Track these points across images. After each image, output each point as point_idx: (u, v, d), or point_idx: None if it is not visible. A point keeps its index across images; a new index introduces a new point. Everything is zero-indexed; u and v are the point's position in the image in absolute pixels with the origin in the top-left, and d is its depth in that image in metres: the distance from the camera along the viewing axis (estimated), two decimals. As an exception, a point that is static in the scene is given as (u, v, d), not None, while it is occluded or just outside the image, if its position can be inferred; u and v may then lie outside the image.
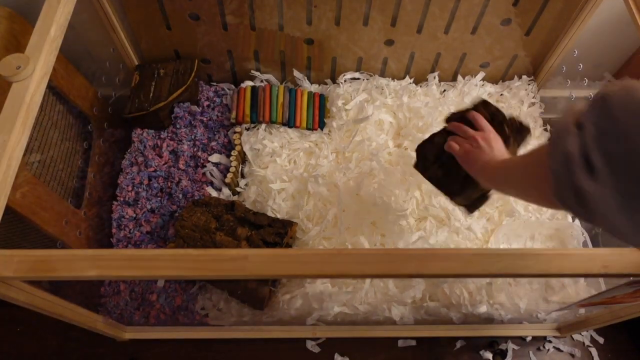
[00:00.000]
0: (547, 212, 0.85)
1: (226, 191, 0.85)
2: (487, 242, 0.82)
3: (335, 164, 0.87)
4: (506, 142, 0.61)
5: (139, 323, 0.81)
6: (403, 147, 0.88)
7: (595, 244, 0.81)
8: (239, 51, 0.91)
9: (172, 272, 0.44)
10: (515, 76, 0.97)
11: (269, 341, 0.86)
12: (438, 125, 0.89)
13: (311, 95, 0.94)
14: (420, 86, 0.97)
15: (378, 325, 0.85)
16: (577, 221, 0.84)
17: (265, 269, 0.44)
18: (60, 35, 0.58)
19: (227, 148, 0.89)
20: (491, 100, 0.92)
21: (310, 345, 0.86)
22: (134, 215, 0.84)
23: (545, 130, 0.92)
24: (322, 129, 0.91)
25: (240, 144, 0.88)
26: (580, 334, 0.87)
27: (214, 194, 0.84)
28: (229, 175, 0.84)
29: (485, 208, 0.83)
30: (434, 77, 0.96)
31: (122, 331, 0.82)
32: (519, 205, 0.83)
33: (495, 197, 0.82)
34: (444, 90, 0.97)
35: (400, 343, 0.87)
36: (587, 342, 0.87)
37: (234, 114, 0.90)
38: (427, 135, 0.87)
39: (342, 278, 0.77)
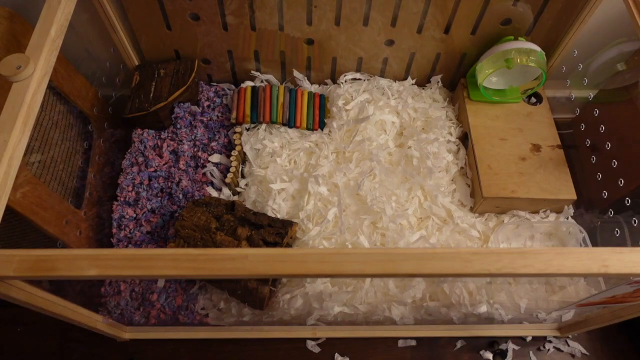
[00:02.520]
0: (547, 211, 0.85)
1: (226, 191, 0.85)
2: (487, 242, 0.82)
3: (336, 164, 0.87)
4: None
5: (139, 323, 0.81)
6: (407, 147, 0.88)
7: (594, 242, 0.81)
8: (239, 51, 0.91)
9: (172, 272, 0.44)
10: (515, 76, 0.97)
11: (269, 341, 0.86)
12: (442, 127, 0.89)
13: (311, 95, 0.94)
14: (424, 88, 0.97)
15: (378, 325, 0.85)
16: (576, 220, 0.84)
17: (265, 268, 0.44)
18: (61, 36, 0.58)
19: (228, 148, 0.89)
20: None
21: (310, 345, 0.86)
22: (134, 215, 0.84)
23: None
24: (322, 129, 0.92)
25: (241, 144, 0.88)
26: (581, 334, 0.87)
27: (214, 194, 0.84)
28: (229, 175, 0.84)
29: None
30: (438, 81, 0.96)
31: (122, 331, 0.82)
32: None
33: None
34: (446, 92, 0.97)
35: (400, 343, 0.87)
36: (587, 342, 0.87)
37: (234, 114, 0.90)
38: (432, 136, 0.88)
39: (342, 278, 0.77)
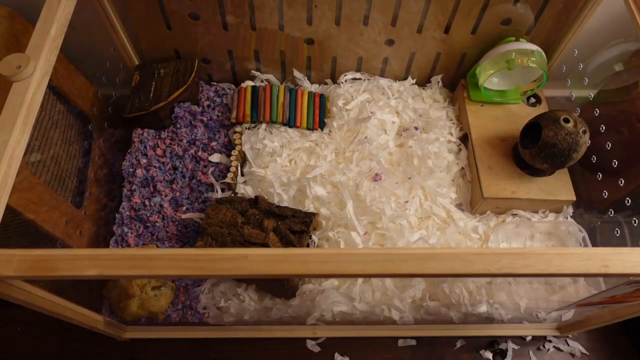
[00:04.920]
0: (546, 212, 0.85)
1: (226, 191, 0.85)
2: (487, 242, 0.82)
3: (336, 163, 0.87)
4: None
5: (139, 323, 0.81)
6: (407, 146, 0.88)
7: (594, 242, 0.81)
8: (239, 51, 0.91)
9: (172, 272, 0.44)
10: (515, 76, 0.97)
11: (269, 341, 0.86)
12: (443, 127, 0.89)
13: (311, 95, 0.94)
14: (424, 88, 0.97)
15: (378, 325, 0.85)
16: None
17: (266, 268, 0.44)
18: (61, 35, 0.58)
19: (228, 148, 0.89)
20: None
21: (310, 345, 0.86)
22: (135, 214, 0.84)
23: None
24: (322, 129, 0.92)
25: (241, 144, 0.88)
26: (580, 333, 0.87)
27: (216, 194, 0.84)
28: (229, 175, 0.84)
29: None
30: (438, 81, 0.96)
31: (122, 331, 0.82)
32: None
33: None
34: (446, 92, 0.98)
35: (400, 343, 0.87)
36: (587, 342, 0.87)
37: (234, 114, 0.90)
38: (433, 136, 0.88)
39: (342, 278, 0.77)
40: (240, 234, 0.75)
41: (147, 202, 0.84)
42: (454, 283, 0.77)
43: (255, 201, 0.79)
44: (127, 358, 0.85)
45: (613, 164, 0.79)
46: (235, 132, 0.89)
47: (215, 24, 0.85)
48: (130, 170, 0.86)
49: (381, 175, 0.83)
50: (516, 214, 0.84)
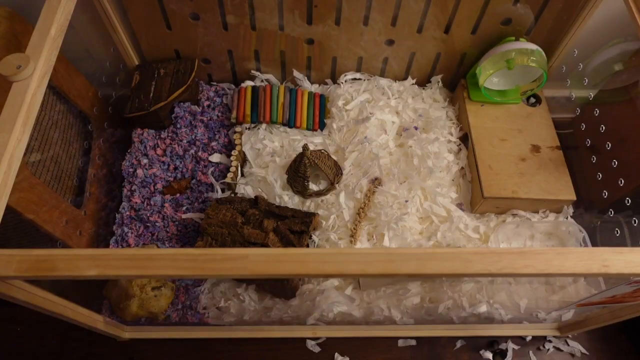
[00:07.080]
0: (547, 212, 0.85)
1: (226, 191, 0.85)
2: (487, 242, 0.82)
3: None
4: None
5: (139, 323, 0.81)
6: (407, 146, 0.88)
7: (594, 242, 0.81)
8: (239, 51, 0.91)
9: (172, 272, 0.44)
10: (515, 76, 0.96)
11: (269, 341, 0.86)
12: (443, 127, 0.89)
13: (311, 95, 0.94)
14: (424, 88, 0.97)
15: (378, 325, 0.85)
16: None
17: (266, 268, 0.44)
18: (61, 35, 0.58)
19: (228, 148, 0.89)
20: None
21: (310, 345, 0.86)
22: (135, 214, 0.84)
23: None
24: (322, 130, 0.92)
25: (241, 144, 0.88)
26: (580, 333, 0.87)
27: (217, 193, 0.84)
28: (229, 175, 0.84)
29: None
30: (438, 81, 0.96)
31: (122, 331, 0.82)
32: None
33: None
34: (446, 92, 0.97)
35: (400, 343, 0.87)
36: (587, 342, 0.87)
37: (234, 114, 0.90)
38: (432, 136, 0.88)
39: (342, 277, 0.77)
40: (240, 234, 0.75)
41: (147, 202, 0.84)
42: (454, 283, 0.77)
43: (255, 201, 0.79)
44: (127, 358, 0.85)
45: (613, 164, 0.79)
46: (235, 132, 0.89)
47: (215, 24, 0.85)
48: (130, 170, 0.86)
49: (380, 179, 0.83)
50: (516, 214, 0.84)
